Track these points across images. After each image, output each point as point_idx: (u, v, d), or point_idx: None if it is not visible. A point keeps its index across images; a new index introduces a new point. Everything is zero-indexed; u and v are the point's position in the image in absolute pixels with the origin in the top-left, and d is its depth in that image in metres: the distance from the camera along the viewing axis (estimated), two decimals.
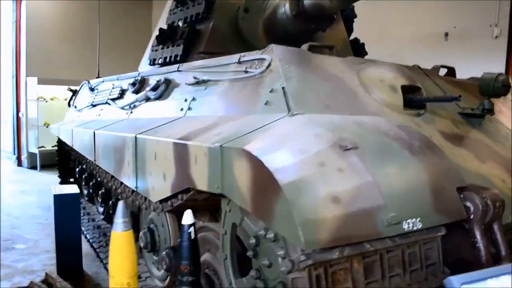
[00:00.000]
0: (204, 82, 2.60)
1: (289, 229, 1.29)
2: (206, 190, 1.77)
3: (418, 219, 1.45)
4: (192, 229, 1.77)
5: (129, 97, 3.71)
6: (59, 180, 6.45)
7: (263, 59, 2.21)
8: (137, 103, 3.46)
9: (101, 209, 4.69)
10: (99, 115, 4.45)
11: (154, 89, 3.22)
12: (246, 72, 2.29)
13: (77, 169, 5.72)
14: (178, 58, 3.42)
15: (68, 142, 4.77)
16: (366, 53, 4.04)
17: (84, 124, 4.42)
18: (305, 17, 2.79)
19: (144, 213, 3.34)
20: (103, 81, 5.18)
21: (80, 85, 6.40)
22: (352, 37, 4.11)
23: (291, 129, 1.62)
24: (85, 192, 5.66)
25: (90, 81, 5.88)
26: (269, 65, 2.13)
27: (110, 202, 4.06)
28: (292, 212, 1.27)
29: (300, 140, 1.52)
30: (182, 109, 2.65)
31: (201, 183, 1.79)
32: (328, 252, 1.34)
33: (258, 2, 3.23)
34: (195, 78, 2.66)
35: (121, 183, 3.09)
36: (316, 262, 1.34)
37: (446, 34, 7.02)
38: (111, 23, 9.91)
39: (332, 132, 1.57)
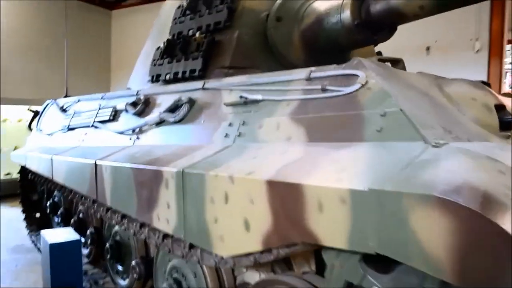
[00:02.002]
0: (256, 102, 2.14)
1: None
2: (343, 248, 1.31)
3: None
4: None
5: (130, 119, 3.16)
6: (22, 215, 5.63)
7: (353, 75, 1.80)
8: (145, 127, 2.92)
9: (85, 251, 4.04)
10: (83, 140, 3.83)
11: (172, 110, 2.72)
12: (324, 90, 1.87)
13: (47, 203, 4.99)
14: (196, 74, 2.93)
15: (45, 174, 4.09)
16: None
17: (65, 151, 3.78)
18: (369, 26, 2.41)
19: (162, 256, 2.80)
20: (78, 101, 4.55)
21: (44, 105, 5.69)
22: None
23: (466, 166, 1.21)
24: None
25: (58, 100, 5.21)
26: (366, 82, 1.72)
27: (108, 245, 3.45)
28: None
29: (499, 182, 1.11)
30: (227, 135, 2.17)
31: (332, 238, 1.33)
32: None
33: (293, 9, 2.82)
34: (242, 97, 2.20)
35: (140, 224, 2.54)
36: None
37: (428, 48, 6.96)
38: (69, 37, 9.20)
39: None
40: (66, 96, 5.84)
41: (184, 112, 2.58)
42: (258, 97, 2.13)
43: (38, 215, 5.58)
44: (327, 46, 2.72)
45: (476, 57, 6.74)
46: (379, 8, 2.30)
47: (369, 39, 2.54)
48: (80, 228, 4.04)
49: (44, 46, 10.42)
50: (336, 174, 1.38)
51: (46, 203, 5.11)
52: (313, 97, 1.90)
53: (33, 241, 5.14)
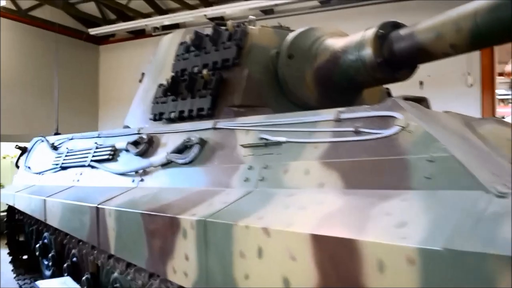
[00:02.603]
0: (279, 144, 2.01)
1: None
2: None
3: None
4: None
5: (132, 160, 3.00)
6: (8, 257, 5.33)
7: (389, 117, 1.69)
8: (150, 168, 2.76)
9: None
10: (79, 180, 3.64)
11: (180, 150, 2.57)
12: (357, 132, 1.75)
13: (37, 245, 4.71)
14: (204, 112, 2.80)
15: (36, 215, 3.86)
16: None
17: (59, 192, 3.57)
18: (391, 64, 2.32)
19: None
20: (71, 138, 4.38)
21: (33, 142, 5.49)
22: None
23: None
24: (47, 272, 4.67)
25: (48, 137, 5.02)
26: (407, 125, 1.60)
27: None
28: None
29: None
30: (247, 180, 2.02)
31: None
32: None
33: (305, 47, 2.73)
34: (263, 139, 2.06)
35: (149, 275, 2.34)
36: None
37: (421, 83, 7.00)
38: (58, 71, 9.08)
39: None
40: (56, 133, 5.65)
41: (195, 153, 2.43)
42: (281, 139, 1.99)
43: (25, 257, 5.28)
44: (342, 84, 2.63)
45: (469, 91, 6.80)
46: (404, 46, 2.22)
47: (389, 78, 2.46)
48: (73, 272, 3.79)
49: (30, 80, 10.25)
50: (396, 229, 1.24)
51: (35, 245, 4.84)
52: (345, 140, 1.78)
53: (20, 286, 4.83)
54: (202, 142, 2.45)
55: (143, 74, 4.59)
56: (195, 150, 2.44)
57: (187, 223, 1.86)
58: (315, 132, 1.92)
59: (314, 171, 1.79)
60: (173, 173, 2.55)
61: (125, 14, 11.31)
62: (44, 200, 3.58)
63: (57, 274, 4.39)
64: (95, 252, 2.93)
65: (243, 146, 2.18)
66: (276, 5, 8.13)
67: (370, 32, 2.34)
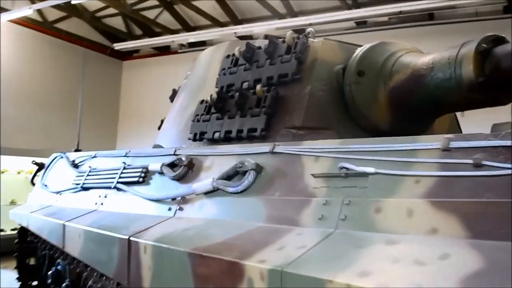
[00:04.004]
0: (364, 176, 1.63)
1: None
2: None
3: None
4: None
5: (167, 184, 2.64)
6: (17, 282, 4.92)
7: None
8: (190, 196, 2.39)
9: None
10: (102, 203, 3.28)
11: (229, 177, 2.21)
12: (478, 166, 1.37)
13: (49, 272, 4.32)
14: (256, 133, 2.44)
15: (52, 241, 3.49)
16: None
17: (80, 217, 3.21)
18: (493, 84, 1.94)
19: None
20: (94, 156, 4.04)
21: (51, 158, 5.16)
22: None
23: None
24: None
25: (68, 154, 4.70)
26: None
27: None
28: None
29: None
30: (323, 218, 1.64)
31: None
32: None
33: (377, 63, 2.38)
34: (343, 168, 1.69)
35: None
36: None
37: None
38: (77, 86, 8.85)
39: None
40: (77, 149, 5.34)
41: (249, 181, 2.07)
42: (369, 169, 1.62)
43: (35, 283, 4.88)
44: (424, 107, 2.26)
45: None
46: None
47: (489, 100, 2.08)
48: None
49: (50, 93, 10.06)
50: None
51: (47, 271, 4.44)
52: (460, 174, 1.40)
53: None
54: (259, 168, 2.08)
55: (174, 90, 4.28)
56: (249, 178, 2.07)
57: (255, 271, 1.47)
58: (414, 164, 1.54)
59: (419, 212, 1.41)
60: (221, 203, 2.18)
61: (151, 30, 11.16)
62: (64, 225, 3.21)
63: None
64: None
65: (314, 176, 1.81)
66: (310, 24, 7.82)
67: (469, 47, 1.97)
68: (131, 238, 2.27)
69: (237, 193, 2.10)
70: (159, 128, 4.35)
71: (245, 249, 1.63)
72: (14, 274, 4.97)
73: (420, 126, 2.43)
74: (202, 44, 10.01)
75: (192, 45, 10.49)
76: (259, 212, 1.91)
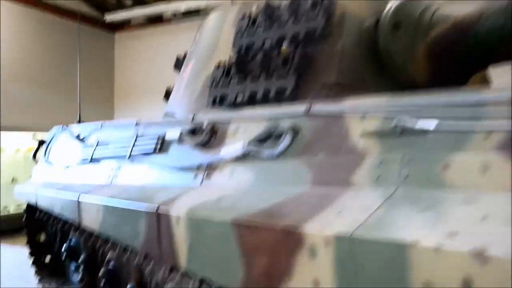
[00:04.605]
0: (423, 132, 1.50)
1: None
2: None
3: None
4: None
5: (188, 153, 2.51)
6: (28, 258, 4.81)
7: None
8: (217, 163, 2.26)
9: None
10: (116, 176, 3.14)
11: (260, 141, 2.08)
12: None
13: (62, 247, 4.20)
14: (285, 94, 2.29)
15: (67, 216, 3.35)
16: None
17: (94, 191, 3.06)
18: None
19: None
20: (101, 127, 3.87)
21: (52, 133, 4.98)
22: None
23: None
24: (75, 277, 4.17)
25: (71, 126, 4.52)
26: None
27: None
28: None
29: None
30: (380, 177, 1.52)
31: None
32: None
33: (414, 13, 2.22)
34: (398, 126, 1.56)
35: None
36: None
37: None
38: (72, 61, 8.60)
39: None
40: (79, 121, 5.16)
41: (286, 144, 1.94)
42: (430, 125, 1.49)
43: (48, 259, 4.77)
44: (470, 58, 2.12)
45: None
46: None
47: None
48: (110, 280, 3.30)
49: (41, 69, 9.76)
50: None
51: (59, 246, 4.33)
52: None
53: None
54: (296, 129, 1.95)
55: (178, 58, 4.10)
56: (286, 140, 1.94)
57: (318, 239, 1.36)
58: (481, 117, 1.42)
59: (496, 167, 1.29)
60: (255, 169, 2.05)
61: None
62: (78, 200, 3.07)
63: (88, 279, 3.90)
64: (151, 264, 2.45)
65: (363, 135, 1.68)
66: None
67: None
68: (160, 210, 2.14)
69: (273, 157, 1.97)
70: (165, 97, 4.19)
71: (299, 215, 1.51)
72: (22, 251, 4.87)
73: (460, 79, 2.30)
74: (195, 13, 9.69)
75: (185, 15, 10.16)
76: (303, 175, 1.79)
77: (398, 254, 1.15)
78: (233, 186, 2.07)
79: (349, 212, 1.39)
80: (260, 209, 1.67)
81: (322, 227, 1.36)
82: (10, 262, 6.01)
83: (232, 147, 2.19)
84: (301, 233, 1.40)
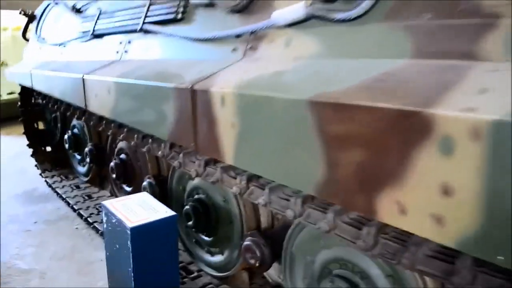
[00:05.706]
0: None
1: None
2: None
3: None
4: None
5: (221, 20, 1.99)
6: (26, 148, 4.44)
7: None
8: (265, 30, 1.76)
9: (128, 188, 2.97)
10: (126, 51, 2.64)
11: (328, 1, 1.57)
12: None
13: (65, 136, 3.81)
14: None
15: (71, 100, 2.89)
16: None
17: (101, 69, 2.57)
18: None
19: None
20: None
21: (43, 6, 4.36)
22: None
23: None
24: (81, 169, 3.85)
25: None
26: None
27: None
28: None
29: None
30: None
31: None
32: None
33: None
34: None
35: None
36: None
37: None
38: None
39: None
40: None
41: (369, 2, 1.42)
42: None
43: (49, 149, 4.42)
44: None
45: None
46: None
47: None
48: (120, 171, 2.97)
49: None
50: None
51: (60, 135, 3.95)
52: None
53: (49, 185, 4.02)
54: None
55: None
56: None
57: (458, 125, 0.90)
58: None
59: None
60: (322, 36, 1.55)
61: None
62: (83, 79, 2.59)
63: (96, 171, 3.58)
64: (181, 154, 2.05)
65: None
66: None
67: None
68: (196, 87, 1.68)
69: (349, 20, 1.47)
70: None
71: (414, 92, 1.05)
72: (21, 140, 4.49)
73: None
74: None
75: None
76: (402, 43, 1.29)
77: None
78: (292, 57, 1.60)
79: (494, 93, 0.93)
80: (348, 87, 1.20)
81: (463, 111, 0.90)
82: (8, 154, 5.64)
83: (290, 8, 1.66)
84: (429, 116, 0.95)
